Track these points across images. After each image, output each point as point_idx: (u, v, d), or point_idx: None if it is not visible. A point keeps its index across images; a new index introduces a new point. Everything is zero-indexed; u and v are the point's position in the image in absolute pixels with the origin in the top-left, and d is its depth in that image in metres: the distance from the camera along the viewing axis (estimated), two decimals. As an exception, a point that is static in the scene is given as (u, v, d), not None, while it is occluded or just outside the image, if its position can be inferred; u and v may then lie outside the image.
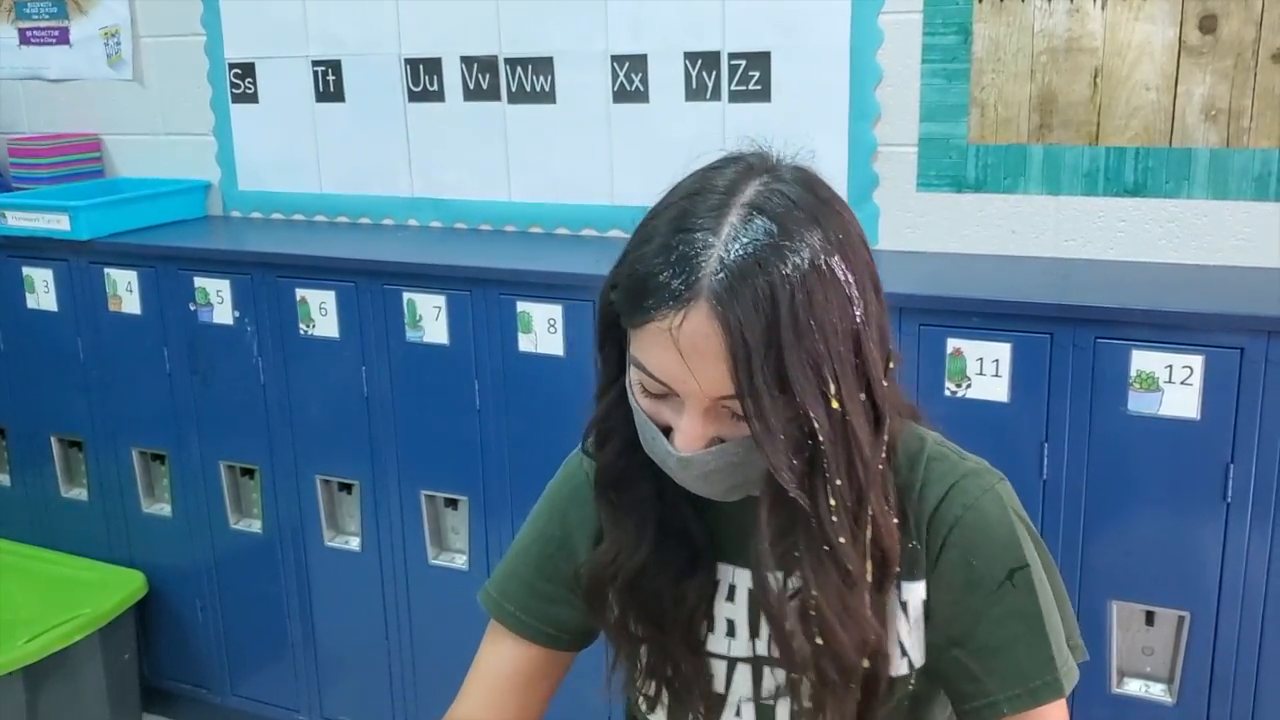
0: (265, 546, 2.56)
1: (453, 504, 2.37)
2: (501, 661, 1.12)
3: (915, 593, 0.98)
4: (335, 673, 2.58)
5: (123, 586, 2.63)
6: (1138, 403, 1.77)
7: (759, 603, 0.96)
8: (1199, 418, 1.73)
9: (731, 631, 1.03)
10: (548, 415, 2.15)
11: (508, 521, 2.25)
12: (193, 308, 2.47)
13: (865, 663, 0.94)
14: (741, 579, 1.03)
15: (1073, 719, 1.89)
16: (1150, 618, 1.87)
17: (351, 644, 2.54)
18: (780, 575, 0.93)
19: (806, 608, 0.92)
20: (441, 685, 2.40)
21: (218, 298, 2.43)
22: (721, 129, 2.22)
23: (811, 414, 0.85)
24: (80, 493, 2.79)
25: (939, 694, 1.04)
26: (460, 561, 2.38)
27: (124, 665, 2.65)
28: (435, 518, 2.39)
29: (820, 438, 0.86)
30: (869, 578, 0.93)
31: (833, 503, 0.89)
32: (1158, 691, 1.88)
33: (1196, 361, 1.72)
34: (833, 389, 0.86)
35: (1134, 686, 1.89)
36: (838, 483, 0.89)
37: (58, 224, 2.54)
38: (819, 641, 0.92)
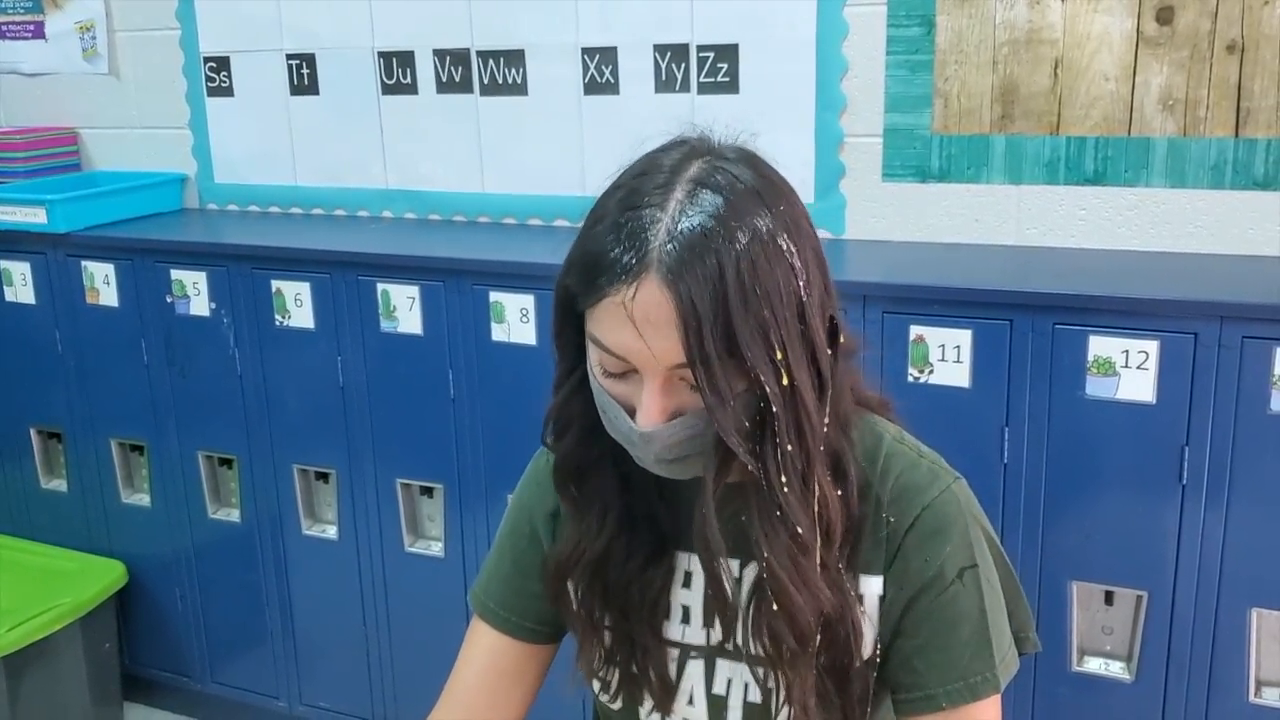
0: (244, 535, 2.59)
1: (428, 492, 2.40)
2: (485, 657, 1.15)
3: (872, 587, 1.01)
4: (314, 660, 2.61)
5: (102, 576, 2.65)
6: (1095, 387, 1.81)
7: (705, 573, 0.97)
8: (1154, 402, 1.77)
9: (687, 619, 1.05)
10: (521, 404, 2.18)
11: (483, 509, 2.28)
12: (170, 300, 2.49)
13: (819, 629, 0.96)
14: (698, 566, 1.05)
15: (1034, 697, 1.95)
16: (1109, 597, 1.91)
17: (329, 631, 2.56)
18: (730, 562, 0.95)
19: (762, 578, 0.94)
20: (419, 672, 2.43)
21: (194, 290, 2.45)
22: (691, 120, 2.25)
23: (761, 378, 0.88)
24: (60, 484, 2.81)
25: (877, 688, 1.06)
26: (436, 549, 2.40)
27: (104, 654, 2.68)
28: (411, 506, 2.42)
29: (770, 402, 0.89)
30: (817, 542, 0.95)
31: (782, 468, 0.91)
32: (1117, 669, 1.92)
33: (1152, 346, 1.76)
34: (779, 355, 0.88)
35: (1094, 664, 1.93)
36: (788, 448, 0.91)
37: (34, 217, 2.55)
38: (776, 612, 0.94)
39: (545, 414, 1.05)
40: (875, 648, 1.01)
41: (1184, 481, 1.78)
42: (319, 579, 2.54)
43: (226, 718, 2.79)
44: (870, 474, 1.00)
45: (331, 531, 2.50)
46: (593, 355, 0.95)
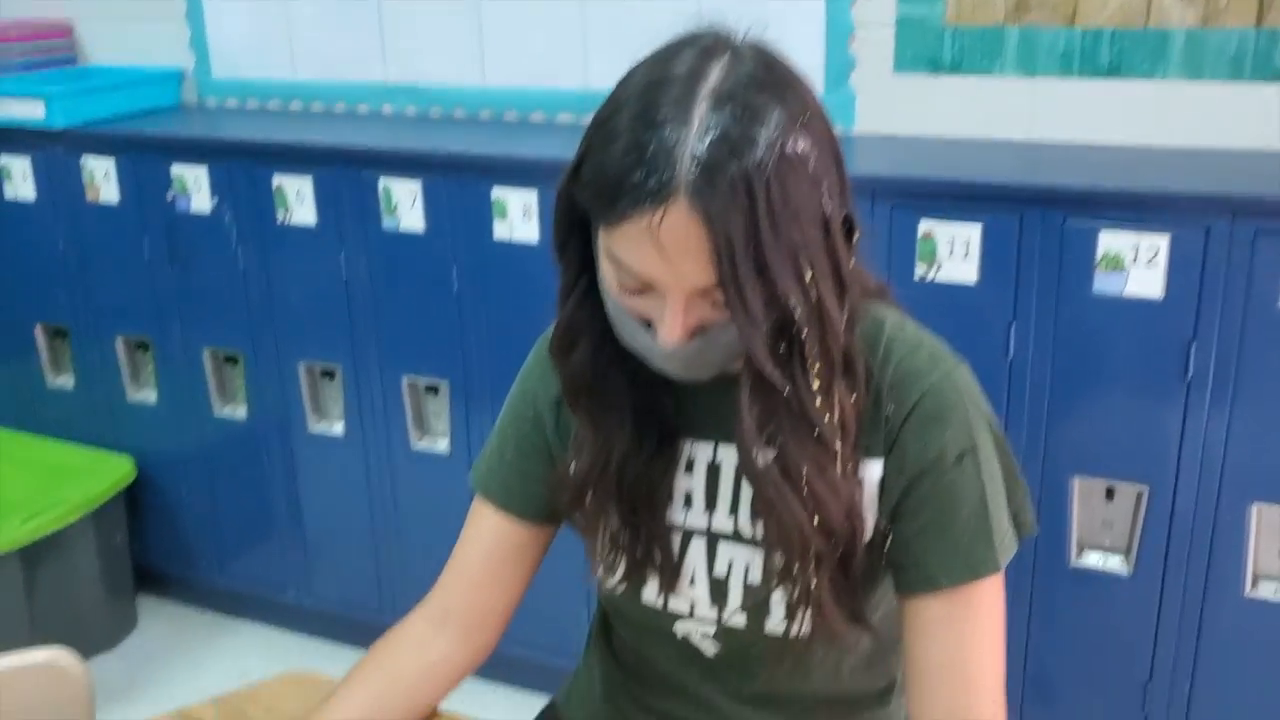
0: (250, 432, 2.61)
1: (434, 390, 2.41)
2: (488, 538, 1.15)
3: (872, 470, 1.01)
4: (322, 554, 2.65)
5: (112, 472, 2.68)
6: (1103, 283, 1.79)
7: (750, 479, 0.97)
8: (1162, 298, 1.76)
9: (689, 503, 1.06)
10: (524, 301, 2.17)
11: (488, 406, 2.28)
12: (170, 197, 2.47)
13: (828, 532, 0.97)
14: (700, 452, 1.06)
15: (1033, 590, 1.97)
16: (1110, 493, 1.93)
17: (337, 527, 2.60)
18: (766, 453, 0.96)
19: (798, 485, 0.95)
20: (426, 566, 2.45)
21: (195, 186, 2.43)
22: (697, 11, 2.20)
23: (790, 299, 0.87)
24: (66, 381, 2.82)
25: (880, 570, 1.07)
26: (442, 446, 2.42)
27: (116, 547, 2.72)
28: (417, 403, 2.43)
29: (798, 321, 0.88)
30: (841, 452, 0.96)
31: (814, 384, 0.92)
32: (1115, 563, 1.94)
33: (1162, 242, 1.74)
34: (809, 275, 0.88)
35: (1093, 559, 1.96)
36: (815, 363, 0.91)
37: (32, 112, 2.52)
38: (816, 518, 0.95)
39: (552, 327, 1.04)
40: (874, 532, 1.02)
41: (1189, 378, 1.78)
42: (326, 476, 2.56)
43: (238, 610, 2.85)
44: (871, 361, 1.00)
45: (338, 429, 2.51)
46: (608, 271, 0.93)
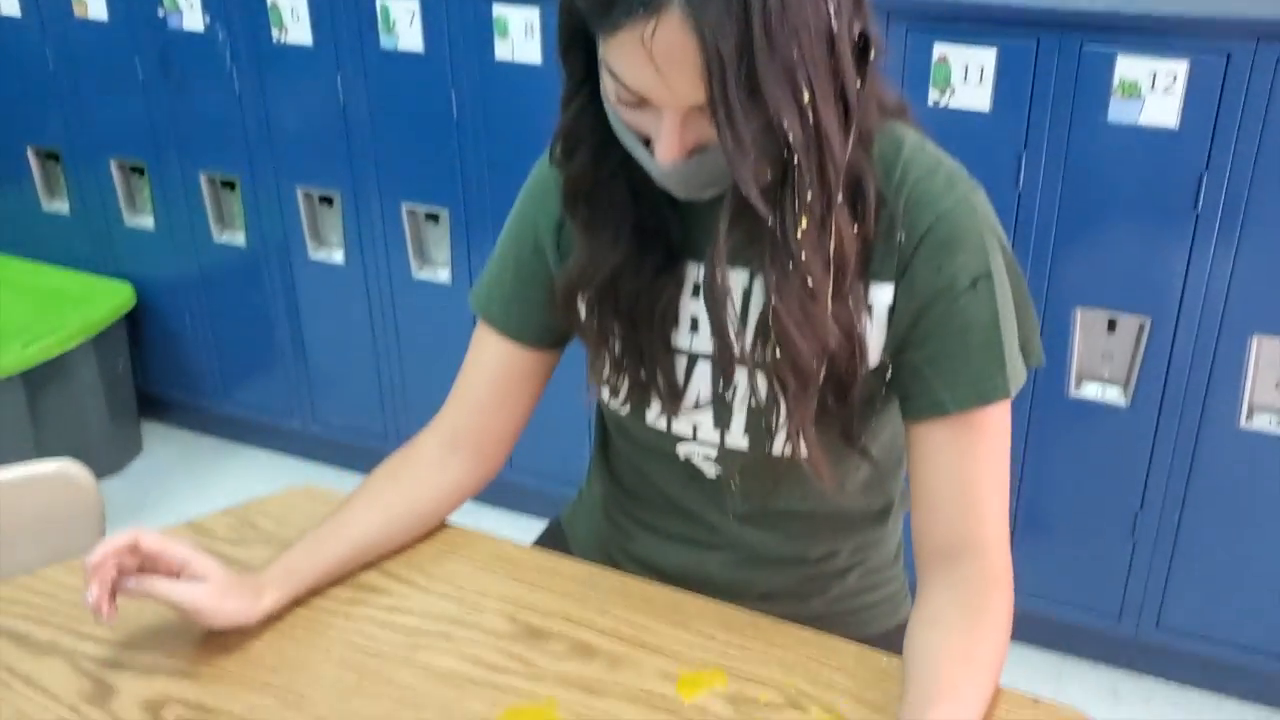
0: (250, 259, 2.59)
1: (434, 218, 2.38)
2: (491, 363, 1.16)
3: (882, 295, 1.00)
4: (325, 382, 2.66)
5: (111, 297, 2.67)
6: (1118, 112, 1.76)
7: (707, 299, 0.97)
8: (1178, 126, 1.73)
9: (695, 327, 1.05)
10: (527, 126, 2.13)
11: (489, 235, 2.25)
12: (161, 14, 2.39)
13: (822, 367, 0.96)
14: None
15: (1029, 421, 1.99)
16: (1112, 325, 1.93)
17: (340, 355, 2.61)
18: (739, 273, 0.94)
19: (765, 315, 0.94)
20: (429, 395, 2.47)
21: (186, 2, 2.35)
22: None
23: (785, 123, 0.84)
24: (61, 205, 2.78)
25: (882, 396, 1.08)
26: (444, 276, 2.41)
27: (119, 374, 2.73)
28: (417, 232, 2.41)
29: (793, 148, 0.86)
30: (830, 285, 0.95)
31: (802, 219, 0.89)
32: (1113, 395, 1.96)
33: (1181, 68, 1.70)
34: (806, 97, 0.84)
35: (1091, 390, 1.97)
36: (807, 194, 0.89)
37: (12, -77, 2.42)
38: (777, 353, 0.94)
39: (554, 132, 1.02)
40: (881, 358, 1.01)
41: (1198, 209, 1.77)
42: (327, 304, 2.56)
43: (242, 436, 2.88)
44: (886, 183, 0.98)
45: (338, 256, 2.50)
46: (607, 81, 0.90)
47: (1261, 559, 1.95)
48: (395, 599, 1.09)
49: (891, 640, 1.07)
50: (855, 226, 0.95)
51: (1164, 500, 1.97)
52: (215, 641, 1.03)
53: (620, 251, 1.01)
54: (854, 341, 0.97)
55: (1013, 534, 2.11)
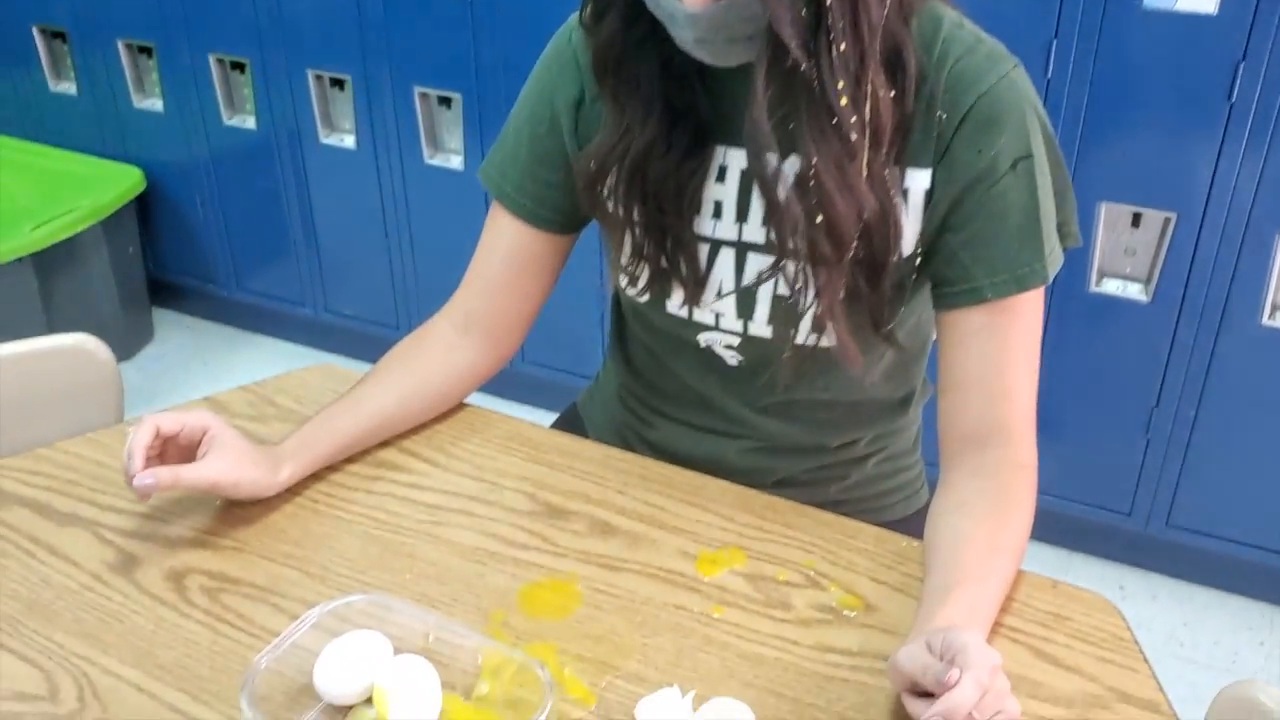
0: (260, 143, 2.55)
1: (447, 103, 2.34)
2: (507, 246, 1.14)
3: (919, 181, 0.97)
4: (338, 269, 2.65)
5: (120, 181, 2.64)
6: (1155, -3, 1.71)
7: (752, 174, 0.95)
8: (1216, 12, 1.68)
9: (719, 213, 1.03)
10: (543, 6, 2.07)
11: (503, 120, 2.20)
12: (166, -114, 2.32)
13: (857, 234, 0.94)
14: (734, 160, 1.02)
15: (1050, 315, 1.97)
16: (1136, 219, 1.90)
17: (352, 242, 2.58)
18: (774, 156, 0.92)
19: (806, 180, 0.92)
20: (442, 282, 2.45)
21: (192, -126, 2.28)
22: None
23: None
24: (69, 87, 2.74)
25: (913, 282, 1.05)
26: (456, 162, 2.38)
27: (129, 258, 2.71)
28: (430, 117, 2.37)
29: None
30: (866, 149, 0.92)
31: (836, 68, 0.86)
32: (1134, 291, 1.94)
33: (1221, -48, 1.65)
34: None
35: (1112, 286, 1.95)
36: (842, 46, 0.86)
37: None
38: (818, 218, 0.92)
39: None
40: (916, 245, 0.99)
41: (1232, 100, 1.72)
42: (339, 189, 2.53)
43: (254, 323, 2.88)
44: (926, 62, 0.95)
45: (349, 141, 2.46)
46: None
47: (1275, 457, 1.95)
48: (416, 476, 1.09)
49: (908, 527, 1.07)
50: (892, 95, 0.92)
51: (1180, 397, 1.96)
52: (237, 515, 1.04)
53: (650, 128, 0.99)
54: (889, 219, 0.95)
55: (1026, 430, 2.11)
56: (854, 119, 0.89)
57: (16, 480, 1.08)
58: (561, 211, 1.12)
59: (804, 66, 0.86)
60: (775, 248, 0.97)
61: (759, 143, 0.91)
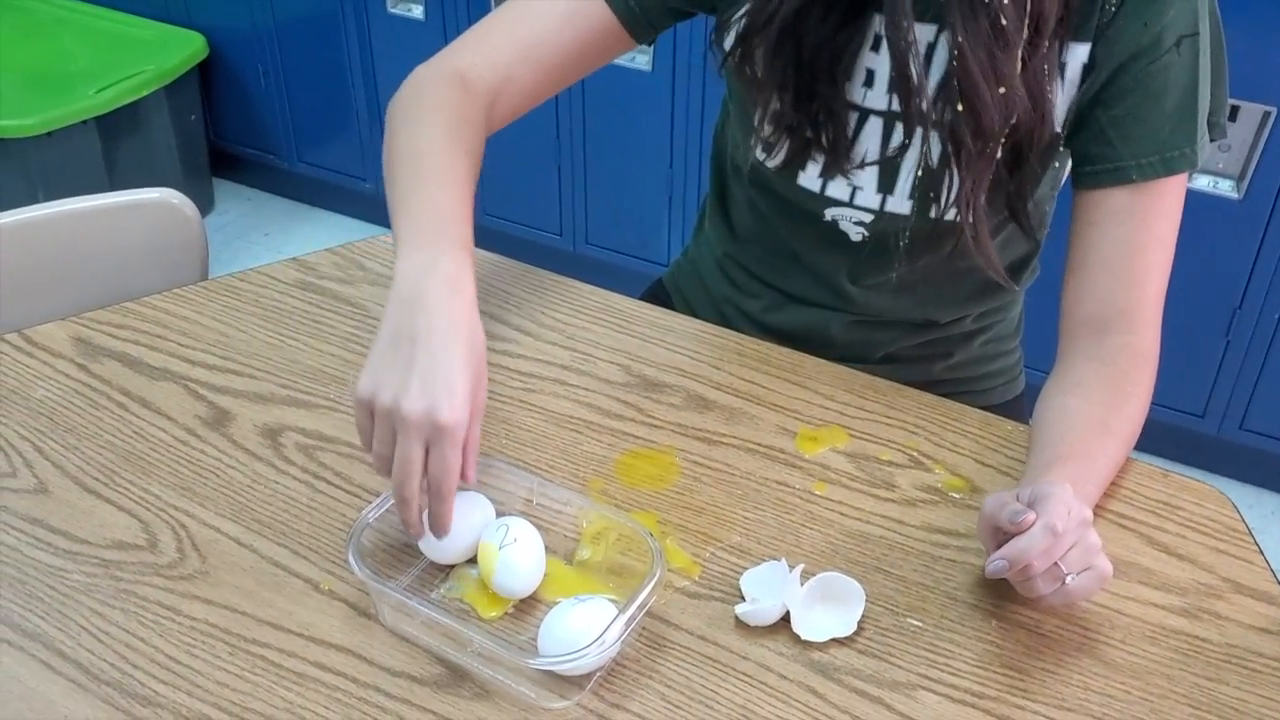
0: (326, 10, 2.50)
1: (518, -28, 2.27)
2: (584, 25, 1.02)
3: (1077, 55, 0.92)
4: (399, 144, 2.61)
5: (183, 46, 2.60)
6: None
7: (889, 41, 0.89)
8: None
9: (870, 82, 0.98)
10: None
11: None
12: None
13: (1004, 131, 0.90)
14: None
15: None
16: (1233, 113, 1.83)
17: (415, 116, 2.54)
18: (924, 29, 0.86)
19: (950, 61, 0.87)
20: (511, 166, 2.43)
21: None
22: None
23: None
24: (130, -52, 2.69)
25: (1055, 162, 1.01)
26: (524, 35, 2.32)
27: (191, 125, 2.69)
28: (499, -13, 2.30)
29: None
30: (1023, 37, 0.87)
31: None
32: (1226, 187, 1.88)
33: None
34: None
35: (1203, 181, 1.89)
36: None
37: None
38: (959, 105, 0.88)
39: None
40: (1065, 120, 0.95)
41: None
42: (405, 62, 2.42)
43: (313, 196, 2.86)
44: None
45: (418, 11, 2.40)
46: None
47: (1360, 365, 1.90)
48: (507, 344, 1.07)
49: (1007, 412, 1.05)
50: None
51: (1265, 300, 1.91)
52: (329, 374, 1.03)
53: None
54: (1041, 109, 0.90)
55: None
56: (1012, 3, 0.84)
57: (105, 333, 1.08)
58: (655, 26, 1.04)
59: None
60: (927, 119, 0.93)
61: (897, 5, 0.85)
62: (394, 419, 0.78)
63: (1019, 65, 0.87)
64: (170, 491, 0.91)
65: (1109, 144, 0.93)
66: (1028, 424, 0.97)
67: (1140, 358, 0.95)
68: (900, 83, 0.91)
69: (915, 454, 0.95)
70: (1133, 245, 0.94)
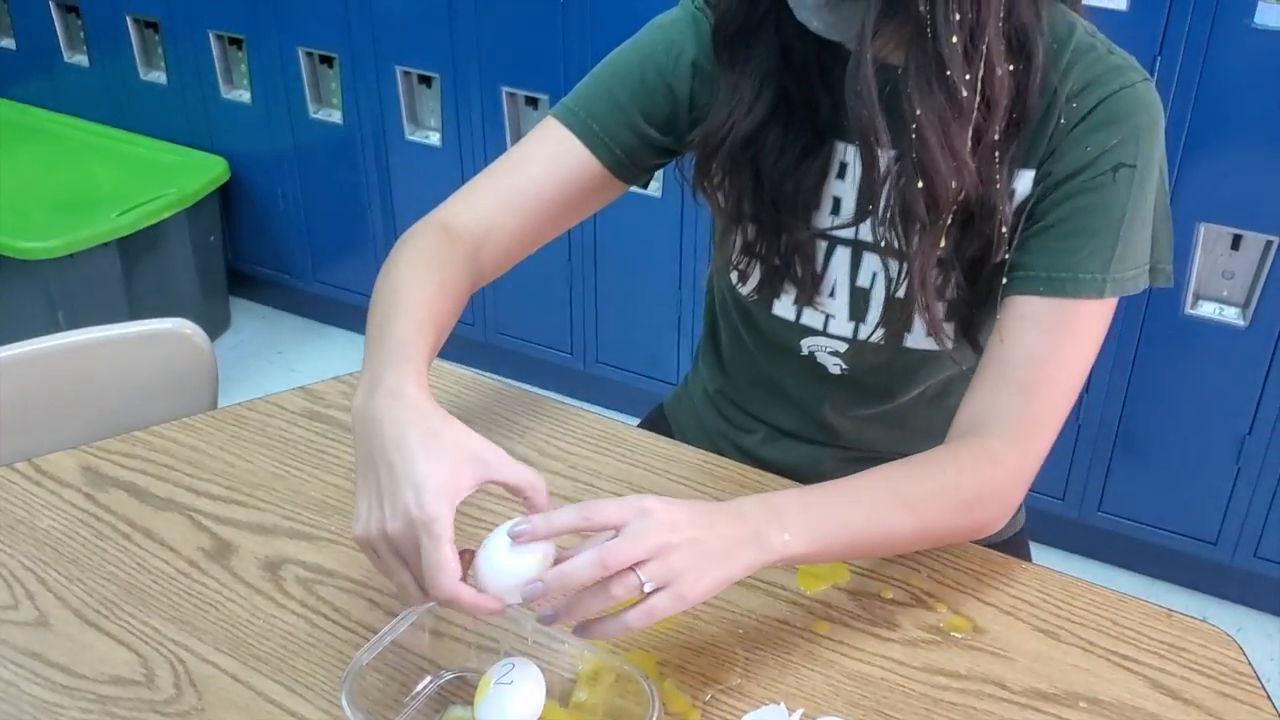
0: (345, 137, 2.57)
1: (534, 103, 2.34)
2: (566, 167, 1.04)
3: (1022, 182, 0.95)
4: (414, 265, 2.65)
5: (206, 170, 2.67)
6: (1266, 15, 1.66)
7: (850, 90, 0.88)
8: (1330, 32, 1.63)
9: (837, 210, 1.01)
10: (633, 9, 2.06)
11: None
12: (263, -120, 2.35)
13: (955, 201, 0.91)
14: (855, 156, 0.99)
15: (1142, 336, 1.92)
16: (1236, 242, 1.85)
17: (430, 238, 2.58)
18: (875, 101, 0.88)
19: (903, 152, 0.89)
20: (522, 282, 2.46)
21: None
22: None
23: None
24: (159, 76, 2.77)
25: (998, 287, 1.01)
26: (538, 161, 2.37)
27: (210, 247, 2.74)
28: (516, 118, 2.36)
29: None
30: (973, 119, 0.88)
31: (949, 18, 0.83)
32: (1231, 315, 1.89)
33: (1339, -31, 1.60)
34: None
35: (1207, 309, 1.90)
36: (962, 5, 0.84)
37: None
38: (921, 182, 0.89)
39: None
40: (1010, 245, 0.96)
41: (1344, 122, 1.67)
42: (422, 186, 2.54)
43: (329, 316, 2.89)
44: (1054, 64, 0.93)
45: (435, 138, 2.47)
46: None
47: (1373, 492, 1.89)
48: (509, 475, 1.08)
49: (1009, 549, 1.04)
50: (1015, 72, 0.89)
51: (1274, 427, 1.91)
52: (332, 506, 1.03)
53: (762, 108, 0.96)
54: (991, 208, 0.92)
55: (1111, 452, 2.06)
56: (966, 77, 0.86)
57: (114, 463, 1.09)
58: (635, 161, 1.05)
59: (921, 7, 0.83)
60: (878, 239, 0.95)
61: (860, 86, 0.87)
62: (389, 545, 0.78)
63: (970, 142, 0.89)
64: (170, 625, 0.91)
65: (1029, 252, 0.95)
66: (1029, 561, 0.96)
67: (991, 463, 0.91)
68: (865, 164, 0.93)
69: (918, 591, 0.95)
70: (1033, 355, 0.93)
